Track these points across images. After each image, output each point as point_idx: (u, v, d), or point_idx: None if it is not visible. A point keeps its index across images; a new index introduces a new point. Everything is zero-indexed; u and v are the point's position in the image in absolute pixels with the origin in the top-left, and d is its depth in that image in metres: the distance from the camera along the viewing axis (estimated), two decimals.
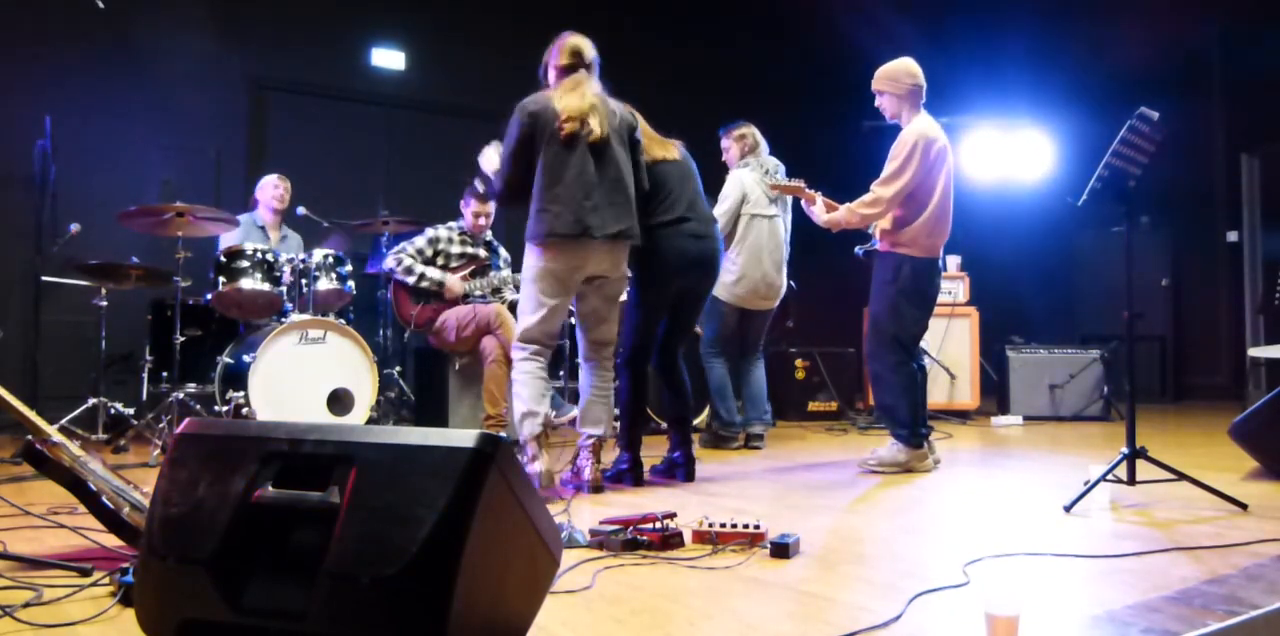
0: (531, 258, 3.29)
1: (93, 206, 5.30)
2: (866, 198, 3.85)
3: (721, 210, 4.65)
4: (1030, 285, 8.30)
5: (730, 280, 4.67)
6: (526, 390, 3.31)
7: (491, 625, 1.47)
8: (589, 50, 3.36)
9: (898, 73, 3.89)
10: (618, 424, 3.69)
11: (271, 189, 5.41)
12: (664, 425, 5.17)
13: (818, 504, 3.15)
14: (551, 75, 3.38)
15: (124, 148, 5.91)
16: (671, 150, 3.62)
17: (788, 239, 4.86)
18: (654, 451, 3.88)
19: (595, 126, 3.23)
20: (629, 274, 3.45)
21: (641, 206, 3.51)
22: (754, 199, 4.68)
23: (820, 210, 4.00)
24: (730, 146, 4.84)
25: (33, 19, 5.69)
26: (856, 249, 4.17)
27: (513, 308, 4.67)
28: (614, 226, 3.25)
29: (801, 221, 4.59)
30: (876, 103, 3.98)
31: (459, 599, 1.33)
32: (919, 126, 3.84)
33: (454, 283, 4.84)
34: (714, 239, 3.66)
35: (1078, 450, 4.68)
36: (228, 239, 5.10)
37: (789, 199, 4.76)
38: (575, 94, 3.26)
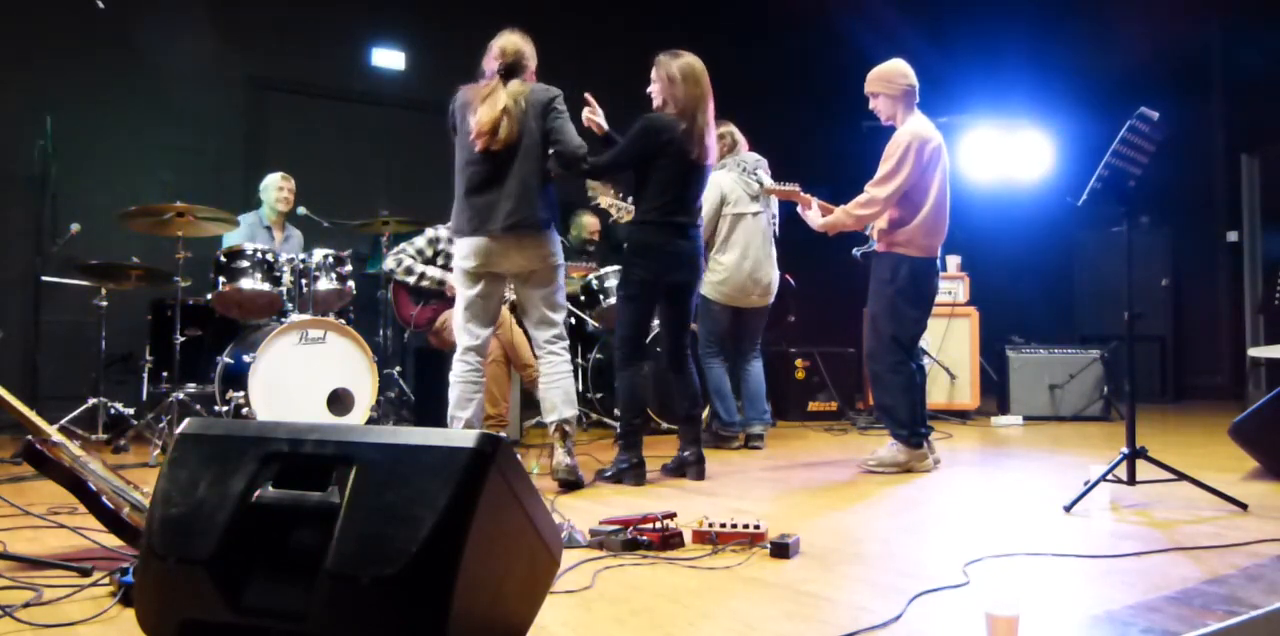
0: (455, 252, 3.49)
1: (93, 206, 5.30)
2: (861, 198, 3.85)
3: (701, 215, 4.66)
4: (1030, 285, 8.29)
5: (717, 279, 4.67)
6: (452, 394, 3.44)
7: (491, 625, 1.47)
8: (510, 52, 3.40)
9: (891, 74, 3.90)
10: (618, 423, 3.69)
11: (275, 190, 5.39)
12: (664, 426, 5.20)
13: (818, 504, 3.15)
14: (485, 72, 3.46)
15: (124, 148, 5.90)
16: (709, 154, 3.60)
17: (774, 232, 4.85)
18: (655, 451, 3.88)
19: (501, 135, 3.30)
20: (558, 263, 3.48)
21: (639, 199, 3.58)
22: (734, 199, 4.68)
23: (815, 215, 4.01)
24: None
25: (33, 19, 5.69)
26: (854, 250, 4.17)
27: (513, 307, 4.68)
28: (508, 219, 3.31)
29: (798, 219, 4.60)
30: (871, 105, 3.98)
31: (459, 599, 1.33)
32: (913, 127, 3.84)
33: (454, 281, 4.84)
34: (697, 239, 3.70)
35: (1078, 450, 4.68)
36: (232, 238, 5.10)
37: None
38: (488, 104, 3.33)
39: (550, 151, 3.40)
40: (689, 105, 3.53)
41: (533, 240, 3.37)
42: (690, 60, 3.58)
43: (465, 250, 3.40)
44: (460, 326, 3.48)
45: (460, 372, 3.45)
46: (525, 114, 3.35)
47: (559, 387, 3.49)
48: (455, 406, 3.43)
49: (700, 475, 3.64)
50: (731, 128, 4.83)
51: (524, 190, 3.34)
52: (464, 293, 3.46)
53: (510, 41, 3.43)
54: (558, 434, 3.46)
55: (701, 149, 3.56)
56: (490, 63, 3.43)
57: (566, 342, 3.57)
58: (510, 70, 3.39)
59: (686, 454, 3.68)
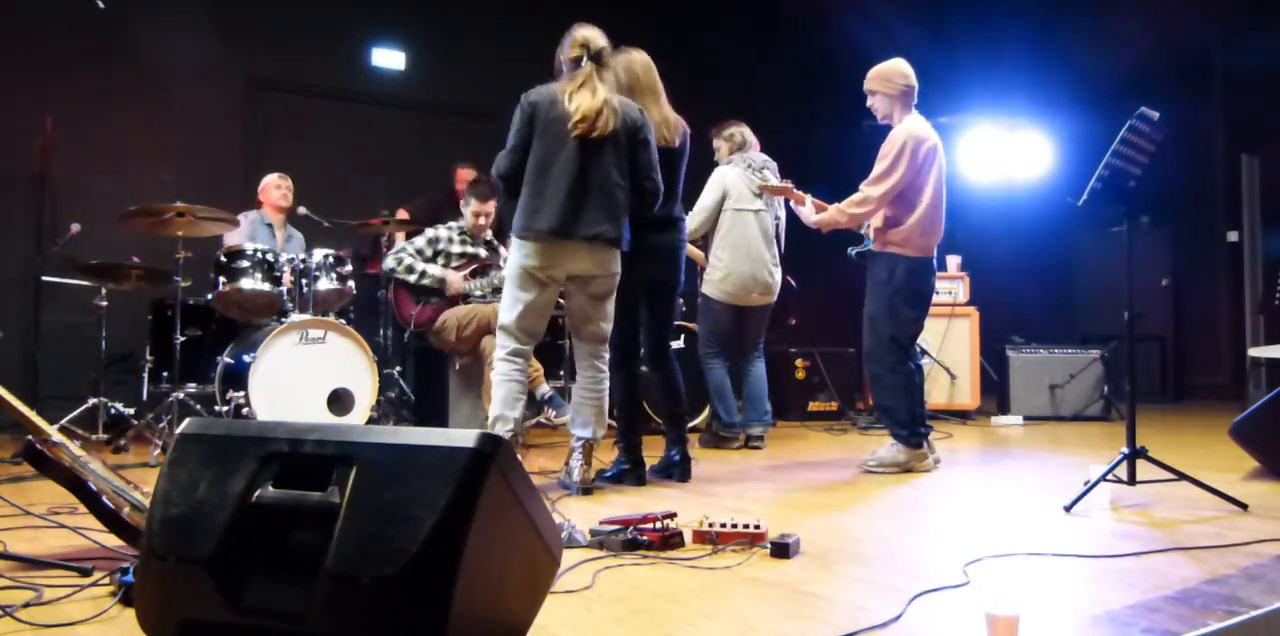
0: (513, 252, 3.28)
1: (93, 206, 5.30)
2: (855, 197, 3.86)
3: (700, 207, 4.68)
4: (1030, 285, 8.29)
5: (718, 277, 4.67)
6: (499, 392, 3.27)
7: (491, 625, 1.47)
8: (596, 40, 3.29)
9: (890, 73, 3.90)
10: (614, 424, 3.69)
11: (274, 189, 5.44)
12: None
13: (818, 504, 3.15)
14: (564, 69, 3.32)
15: (124, 148, 5.91)
16: (672, 137, 3.56)
17: (778, 233, 4.86)
18: (655, 451, 3.88)
19: (600, 125, 3.18)
20: (618, 271, 3.37)
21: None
22: (736, 194, 4.68)
23: (809, 211, 4.02)
24: (720, 146, 4.86)
25: (33, 19, 5.69)
26: (850, 250, 4.17)
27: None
28: (594, 228, 3.18)
29: (795, 219, 4.61)
30: (869, 103, 3.98)
31: (459, 599, 1.33)
32: (908, 126, 3.85)
33: (455, 279, 4.85)
34: (678, 232, 3.65)
35: (1078, 450, 4.68)
36: (233, 237, 5.11)
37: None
38: (586, 91, 3.21)
39: (636, 185, 3.29)
40: (635, 100, 3.47)
41: (606, 249, 3.26)
42: (631, 57, 3.53)
43: (532, 249, 3.21)
44: (505, 327, 3.29)
45: (508, 371, 3.27)
46: (617, 124, 3.23)
47: (595, 405, 3.38)
48: (504, 405, 3.25)
49: (685, 476, 3.62)
50: (742, 127, 4.86)
51: (611, 204, 3.21)
52: (521, 296, 3.26)
53: (592, 33, 3.31)
54: (583, 450, 3.34)
55: (659, 139, 3.48)
56: (572, 51, 3.28)
57: (608, 356, 3.47)
58: (598, 59, 3.28)
59: (672, 454, 3.66)
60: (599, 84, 3.24)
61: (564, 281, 3.32)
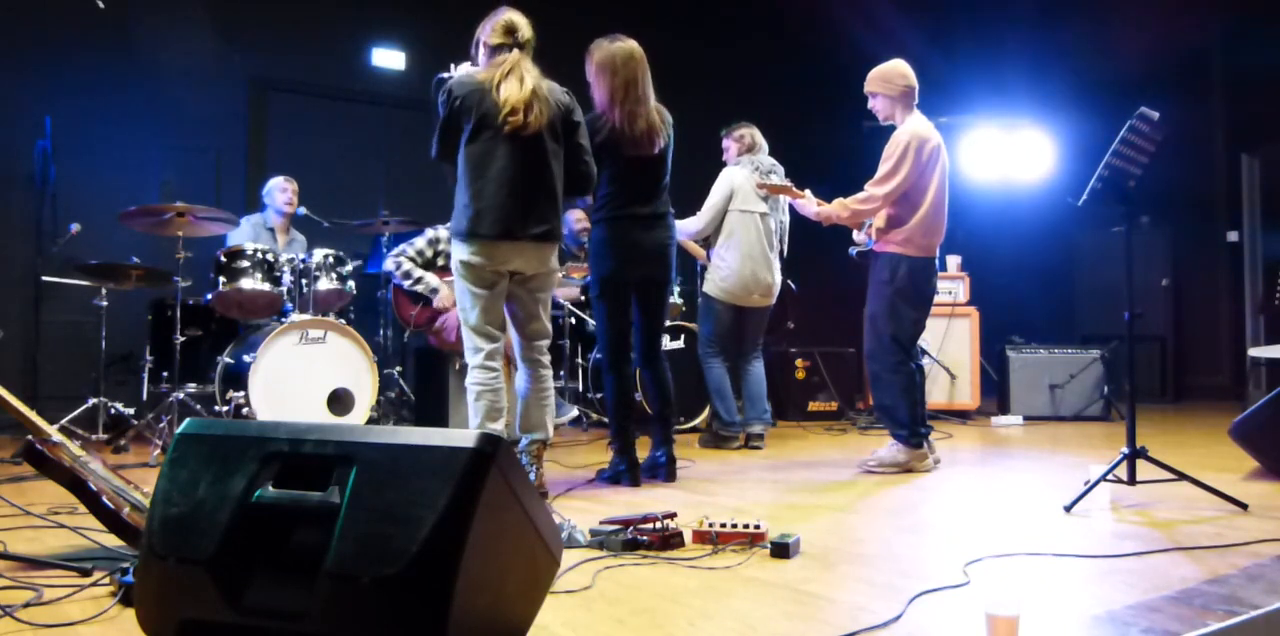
0: (456, 251, 3.15)
1: (93, 206, 5.30)
2: (860, 195, 3.87)
3: (707, 206, 4.71)
4: (1030, 285, 8.30)
5: (720, 276, 4.69)
6: (479, 404, 3.13)
7: (491, 625, 1.47)
8: (525, 29, 3.15)
9: (890, 74, 3.91)
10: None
11: (279, 192, 5.38)
12: None
13: (818, 504, 3.15)
14: (481, 53, 3.18)
15: (124, 148, 5.91)
16: (654, 145, 3.50)
17: (781, 238, 4.88)
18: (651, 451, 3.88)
19: (532, 119, 3.05)
20: (558, 270, 3.31)
21: (595, 194, 3.50)
22: (742, 195, 4.70)
23: (810, 202, 4.04)
24: (730, 146, 4.90)
25: (33, 19, 5.69)
26: (851, 250, 4.17)
27: None
28: (538, 227, 3.11)
29: (801, 221, 4.61)
30: (870, 104, 3.99)
31: (459, 599, 1.33)
32: (912, 127, 3.85)
33: (447, 293, 4.82)
34: (667, 228, 3.61)
35: (1078, 450, 4.68)
36: (235, 238, 5.10)
37: (782, 199, 4.77)
38: (513, 80, 3.06)
39: (572, 171, 3.22)
40: (613, 98, 3.43)
41: (548, 246, 3.21)
42: (612, 49, 3.45)
43: (478, 247, 3.08)
44: (475, 328, 3.14)
45: (485, 380, 3.12)
46: (548, 112, 3.12)
47: (545, 406, 3.30)
48: (486, 418, 3.11)
49: (671, 476, 3.61)
50: (753, 129, 4.88)
51: (551, 200, 3.14)
52: (478, 292, 3.12)
53: (520, 19, 3.15)
54: (539, 451, 3.26)
55: (638, 144, 3.44)
56: (495, 37, 3.12)
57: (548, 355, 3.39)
58: (524, 49, 3.14)
59: (658, 454, 3.65)
60: (525, 73, 3.09)
61: (507, 275, 3.20)
